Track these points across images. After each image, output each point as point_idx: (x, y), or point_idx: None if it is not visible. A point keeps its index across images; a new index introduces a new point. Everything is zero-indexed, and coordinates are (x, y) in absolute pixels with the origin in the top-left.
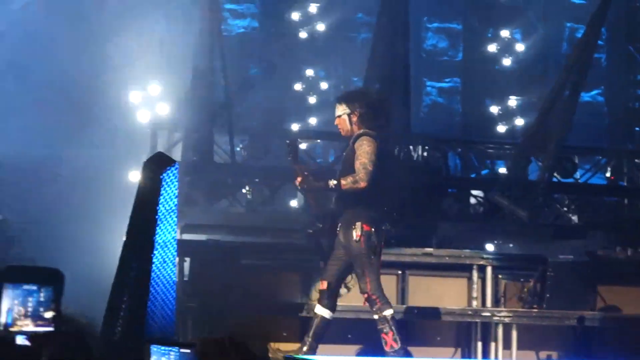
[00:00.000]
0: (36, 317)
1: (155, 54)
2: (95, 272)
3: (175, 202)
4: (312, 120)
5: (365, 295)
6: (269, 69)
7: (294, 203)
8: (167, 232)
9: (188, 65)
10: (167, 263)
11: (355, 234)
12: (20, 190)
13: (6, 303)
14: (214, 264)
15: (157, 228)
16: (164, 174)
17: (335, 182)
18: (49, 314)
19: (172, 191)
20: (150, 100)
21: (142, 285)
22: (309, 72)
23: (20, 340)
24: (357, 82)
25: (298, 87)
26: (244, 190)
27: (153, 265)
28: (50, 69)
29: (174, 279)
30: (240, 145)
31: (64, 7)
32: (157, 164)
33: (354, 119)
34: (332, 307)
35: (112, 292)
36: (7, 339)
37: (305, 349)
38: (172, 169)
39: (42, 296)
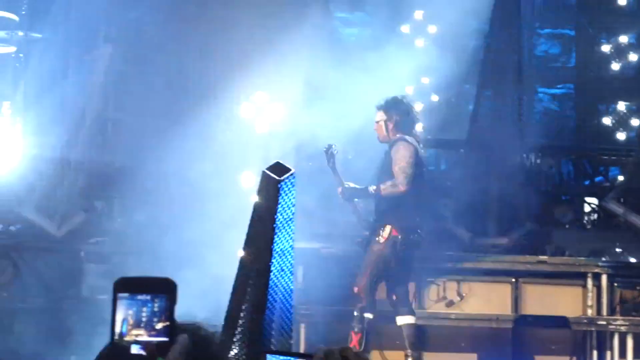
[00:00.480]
0: (150, 327)
1: (267, 64)
2: (211, 281)
3: (293, 211)
4: (419, 127)
5: (356, 289)
6: None
7: None
8: (285, 241)
9: (300, 75)
10: (284, 272)
11: (382, 235)
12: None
13: (121, 313)
14: (327, 272)
15: (275, 236)
16: (282, 183)
17: (374, 187)
18: (162, 324)
19: (290, 200)
20: (263, 110)
21: (261, 294)
22: (424, 80)
23: (136, 349)
24: (467, 89)
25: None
26: (356, 199)
27: (271, 274)
28: (162, 80)
29: (292, 287)
30: (353, 154)
31: (176, 18)
32: (275, 173)
33: (390, 125)
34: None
35: (230, 302)
36: (123, 348)
37: None
38: (290, 177)
39: (155, 306)
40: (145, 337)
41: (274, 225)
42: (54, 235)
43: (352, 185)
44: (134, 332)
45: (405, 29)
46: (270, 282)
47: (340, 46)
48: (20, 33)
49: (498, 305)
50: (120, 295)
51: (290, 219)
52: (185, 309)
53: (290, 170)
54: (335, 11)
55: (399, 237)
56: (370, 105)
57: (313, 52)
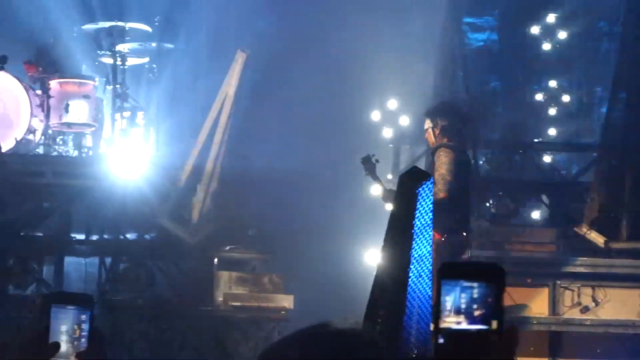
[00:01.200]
0: (469, 314)
1: (395, 71)
2: (338, 284)
3: (431, 217)
4: (552, 132)
5: None
6: (509, 81)
7: (535, 215)
8: (423, 246)
9: (428, 81)
10: (422, 277)
11: None
12: (275, 204)
13: (439, 299)
14: None
15: (413, 242)
16: (420, 189)
17: None
18: (479, 312)
19: (428, 205)
20: (391, 116)
21: (399, 299)
22: (552, 84)
23: (440, 339)
24: (600, 93)
25: (539, 97)
26: (487, 204)
27: (409, 280)
28: (291, 87)
29: (430, 293)
30: (483, 159)
31: (306, 26)
32: (413, 179)
33: (437, 132)
34: None
35: (368, 306)
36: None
37: None
38: (428, 183)
39: (475, 292)
40: (464, 326)
41: (412, 232)
42: (187, 242)
43: (393, 191)
44: (449, 319)
45: (535, 30)
46: (409, 288)
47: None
48: (154, 44)
49: (634, 311)
50: (445, 282)
51: (428, 225)
52: (314, 309)
53: (428, 176)
54: (464, 16)
55: (442, 239)
56: None
57: (441, 58)
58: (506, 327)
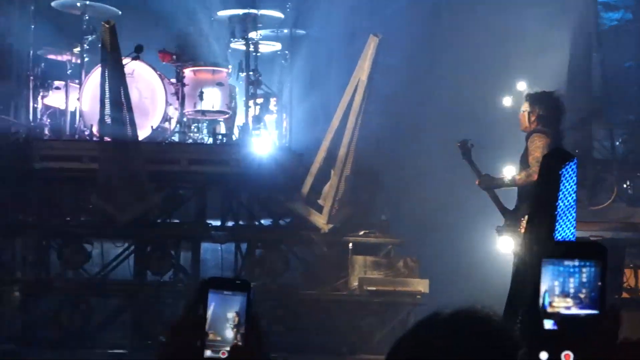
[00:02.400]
0: (578, 298)
1: (527, 53)
2: (472, 268)
3: (574, 198)
4: None
5: None
6: None
7: None
8: (567, 228)
9: (562, 61)
10: None
11: (522, 226)
12: (408, 188)
13: (545, 283)
14: None
15: (556, 224)
16: (563, 170)
17: (510, 177)
18: (588, 295)
19: (571, 187)
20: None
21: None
22: None
23: (548, 325)
24: None
25: None
26: (625, 185)
27: None
28: (423, 69)
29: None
30: (620, 140)
31: (436, 9)
32: (557, 159)
33: (532, 117)
34: None
35: (511, 290)
36: (535, 322)
37: None
38: (571, 164)
39: (584, 275)
40: (574, 310)
41: (555, 213)
42: (322, 227)
43: (489, 177)
44: (557, 304)
45: None
46: None
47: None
48: (286, 30)
49: None
50: (546, 261)
51: (572, 206)
52: (449, 294)
53: (572, 157)
54: None
55: None
56: None
57: (576, 39)
58: (609, 308)
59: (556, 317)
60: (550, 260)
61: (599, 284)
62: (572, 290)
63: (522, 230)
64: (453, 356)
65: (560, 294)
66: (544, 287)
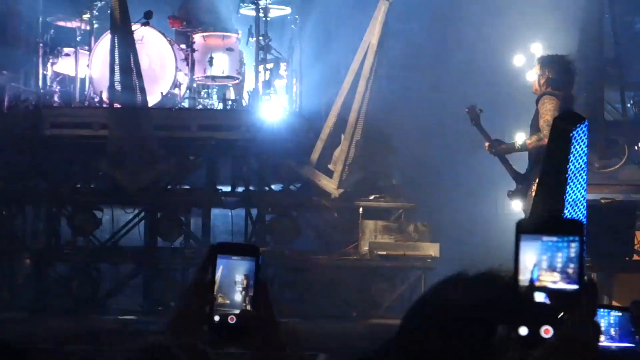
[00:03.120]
0: (564, 273)
1: (539, 14)
2: (483, 230)
3: (585, 160)
4: None
5: None
6: None
7: None
8: (577, 191)
9: (574, 22)
10: None
11: (533, 189)
12: (419, 153)
13: (532, 258)
14: (610, 223)
15: (567, 186)
16: (574, 132)
17: (521, 142)
18: (573, 270)
19: (582, 149)
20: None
21: None
22: None
23: (540, 297)
24: None
25: None
26: (636, 147)
27: None
28: (433, 33)
29: (584, 239)
30: (631, 102)
31: None
32: (567, 122)
33: (542, 80)
34: None
35: None
36: (527, 296)
37: None
38: (582, 126)
39: (572, 250)
40: (561, 284)
41: (566, 175)
42: (332, 192)
43: (498, 141)
44: (547, 277)
45: None
46: None
47: None
48: None
49: None
50: (527, 237)
51: (583, 169)
52: (460, 257)
53: (583, 119)
54: None
55: None
56: None
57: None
58: (588, 283)
59: (544, 291)
60: (536, 235)
61: (582, 256)
62: (559, 265)
63: (533, 194)
64: (476, 314)
65: (548, 268)
66: (532, 260)
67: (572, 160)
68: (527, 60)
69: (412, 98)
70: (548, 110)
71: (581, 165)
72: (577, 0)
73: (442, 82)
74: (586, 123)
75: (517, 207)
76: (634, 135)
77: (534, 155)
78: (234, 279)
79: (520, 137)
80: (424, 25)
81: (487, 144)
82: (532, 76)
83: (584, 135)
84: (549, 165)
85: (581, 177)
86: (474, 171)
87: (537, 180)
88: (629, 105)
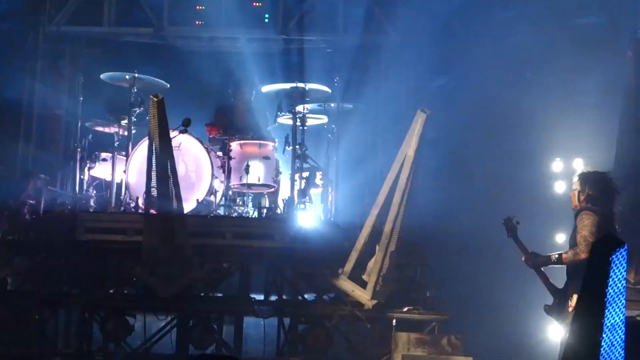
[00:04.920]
0: None
1: (581, 126)
2: (517, 348)
3: (624, 284)
4: None
5: None
6: None
7: None
8: (616, 315)
9: (612, 139)
10: (615, 347)
11: (570, 304)
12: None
13: None
14: None
15: (606, 311)
16: (613, 256)
17: (557, 255)
18: None
19: (621, 273)
20: (571, 172)
21: None
22: None
23: None
24: None
25: None
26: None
27: (601, 349)
28: (470, 145)
29: None
30: None
31: (486, 81)
32: (607, 245)
33: (582, 197)
34: None
35: None
36: None
37: None
38: (622, 250)
39: None
40: None
41: (605, 299)
42: (366, 303)
43: (535, 254)
44: None
45: None
46: (601, 358)
47: None
48: (333, 104)
49: None
50: None
51: (622, 293)
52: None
53: (622, 243)
54: None
55: None
56: None
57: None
58: None
59: None
60: None
61: None
62: None
63: (571, 309)
64: None
65: None
66: None
67: (611, 285)
68: (564, 167)
69: (449, 208)
70: (585, 225)
71: (620, 290)
72: (615, 116)
73: (480, 191)
74: (625, 247)
75: (554, 331)
76: None
77: (570, 269)
78: None
79: (557, 251)
80: (460, 135)
81: (523, 257)
82: (572, 191)
83: (623, 260)
84: (587, 290)
85: (620, 301)
86: (511, 285)
87: (574, 295)
88: None
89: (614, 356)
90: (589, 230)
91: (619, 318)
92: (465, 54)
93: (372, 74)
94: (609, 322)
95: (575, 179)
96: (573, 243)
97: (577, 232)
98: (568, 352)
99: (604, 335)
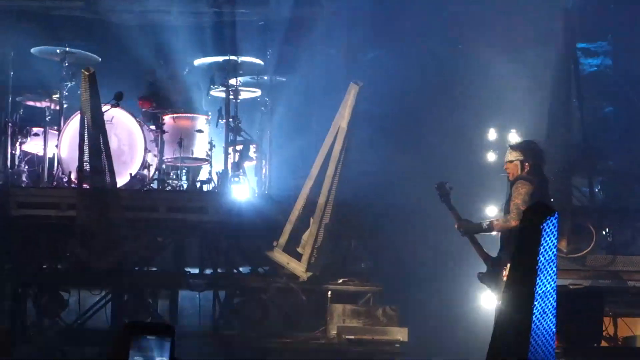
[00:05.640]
0: None
1: (514, 99)
2: (452, 317)
3: (555, 252)
4: None
5: None
6: (624, 106)
7: None
8: (547, 282)
9: (544, 109)
10: (546, 314)
11: (504, 272)
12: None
13: None
14: (579, 309)
15: (537, 278)
16: (544, 224)
17: (488, 222)
18: None
19: (552, 241)
20: (504, 143)
21: (522, 336)
22: None
23: None
24: None
25: None
26: (604, 233)
27: (533, 317)
28: (403, 116)
29: (554, 329)
30: (599, 187)
31: (415, 56)
32: (537, 213)
33: (526, 166)
34: None
35: (491, 342)
36: None
37: None
38: (552, 218)
39: None
40: None
41: (537, 267)
42: (301, 275)
43: (467, 221)
44: None
45: None
46: (532, 325)
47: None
48: (266, 77)
49: None
50: None
51: (552, 261)
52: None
53: (552, 211)
54: (577, 41)
55: None
56: None
57: (556, 85)
58: None
59: None
60: None
61: None
62: None
63: (505, 278)
64: None
65: None
66: None
67: (542, 252)
68: (498, 137)
69: (383, 180)
70: (520, 194)
71: (551, 257)
72: (547, 86)
73: (415, 162)
74: (556, 215)
75: (486, 299)
76: (602, 221)
77: (504, 238)
78: (147, 358)
79: (492, 212)
80: (394, 106)
81: (456, 224)
82: (510, 162)
83: (554, 227)
84: (519, 257)
85: (551, 269)
86: (445, 253)
87: (507, 264)
88: (597, 190)
89: (546, 323)
90: (522, 198)
91: (550, 286)
92: (399, 26)
93: (304, 46)
94: (541, 289)
95: (514, 149)
96: (506, 211)
97: (511, 200)
98: (501, 318)
99: (535, 303)
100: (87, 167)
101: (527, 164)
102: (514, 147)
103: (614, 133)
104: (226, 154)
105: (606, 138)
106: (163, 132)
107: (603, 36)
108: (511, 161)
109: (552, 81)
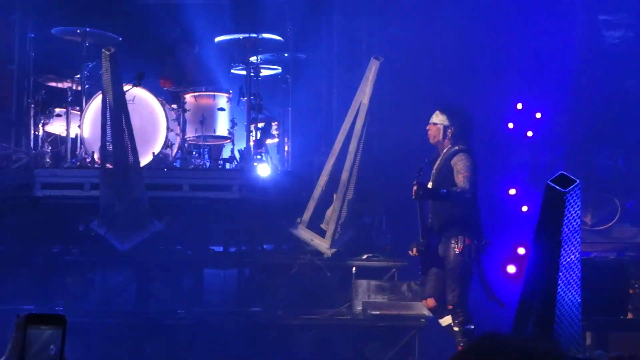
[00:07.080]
0: None
1: (537, 72)
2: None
3: (579, 222)
4: None
5: (450, 307)
6: None
7: None
8: (572, 253)
9: (566, 80)
10: (571, 284)
11: (457, 247)
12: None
13: None
14: (600, 281)
15: (562, 249)
16: (568, 195)
17: (445, 190)
18: None
19: (576, 211)
20: (530, 115)
21: (548, 308)
22: None
23: None
24: None
25: None
26: (629, 205)
27: (558, 288)
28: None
29: (579, 300)
30: (623, 158)
31: (435, 30)
32: (561, 185)
33: (449, 132)
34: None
35: (516, 315)
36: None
37: None
38: (575, 188)
39: None
40: None
41: (560, 238)
42: (325, 252)
43: (425, 187)
44: None
45: None
46: (558, 296)
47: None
48: (286, 54)
49: None
50: None
51: (576, 231)
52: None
53: (575, 181)
54: (598, 13)
55: (473, 243)
56: None
57: (577, 57)
58: None
59: None
60: None
61: None
62: None
63: (459, 250)
64: None
65: None
66: None
67: (565, 223)
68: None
69: (404, 157)
70: (467, 167)
71: (575, 228)
72: (569, 62)
73: None
74: (579, 184)
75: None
76: (627, 192)
77: (443, 211)
78: (41, 348)
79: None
80: (412, 84)
81: (415, 186)
82: (434, 124)
83: (577, 198)
84: (542, 228)
85: (575, 240)
86: None
87: (459, 237)
88: (620, 162)
89: (571, 294)
90: (470, 172)
91: (575, 257)
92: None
93: (324, 22)
94: (565, 260)
95: (442, 113)
96: (446, 181)
97: (457, 173)
98: (526, 290)
99: (560, 274)
100: (109, 146)
101: (449, 130)
102: (442, 110)
103: (638, 105)
104: (248, 131)
105: (629, 110)
106: (185, 110)
107: (625, 8)
108: (435, 124)
109: (574, 54)
